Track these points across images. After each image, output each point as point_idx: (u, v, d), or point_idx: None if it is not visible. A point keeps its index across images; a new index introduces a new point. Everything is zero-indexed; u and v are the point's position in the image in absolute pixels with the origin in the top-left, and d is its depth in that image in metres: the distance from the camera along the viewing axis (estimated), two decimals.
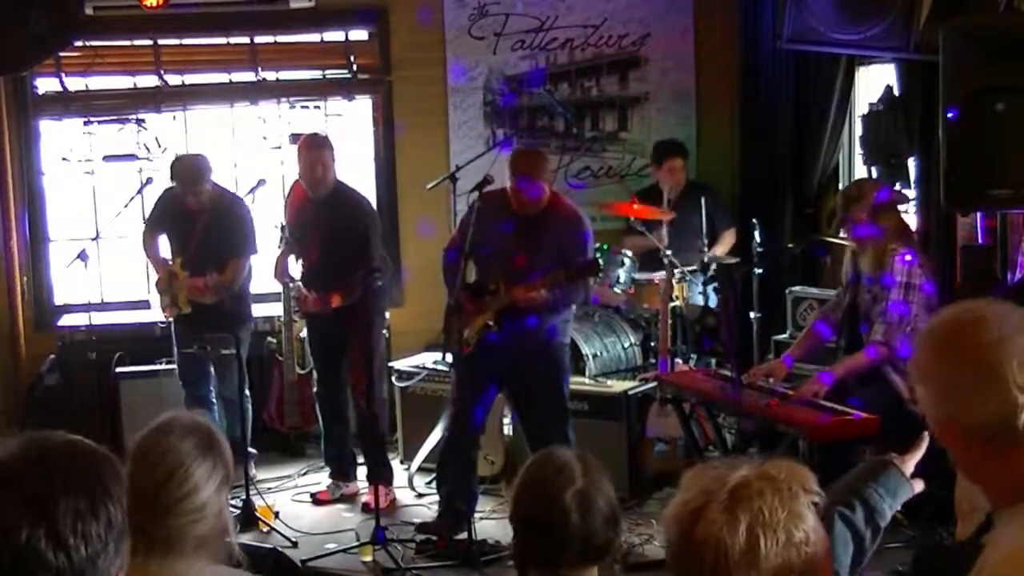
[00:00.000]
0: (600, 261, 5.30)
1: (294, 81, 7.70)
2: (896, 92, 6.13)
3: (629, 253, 6.74)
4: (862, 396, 4.90)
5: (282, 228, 6.22)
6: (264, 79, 7.57)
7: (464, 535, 5.21)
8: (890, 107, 6.14)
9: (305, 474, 6.63)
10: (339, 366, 6.17)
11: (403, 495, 6.25)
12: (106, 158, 7.46)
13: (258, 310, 6.73)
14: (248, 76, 7.55)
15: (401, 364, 6.71)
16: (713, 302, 6.76)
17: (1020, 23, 4.87)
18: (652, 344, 6.83)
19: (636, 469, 5.92)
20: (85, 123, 7.45)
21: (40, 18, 5.99)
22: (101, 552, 1.44)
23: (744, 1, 7.52)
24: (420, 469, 6.33)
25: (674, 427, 5.69)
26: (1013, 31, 4.73)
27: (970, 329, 1.79)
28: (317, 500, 6.22)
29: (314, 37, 7.68)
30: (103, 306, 7.35)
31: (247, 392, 6.37)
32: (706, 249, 6.78)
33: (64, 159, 7.49)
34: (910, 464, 2.33)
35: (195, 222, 6.16)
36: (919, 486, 2.32)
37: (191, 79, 7.58)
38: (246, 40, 7.49)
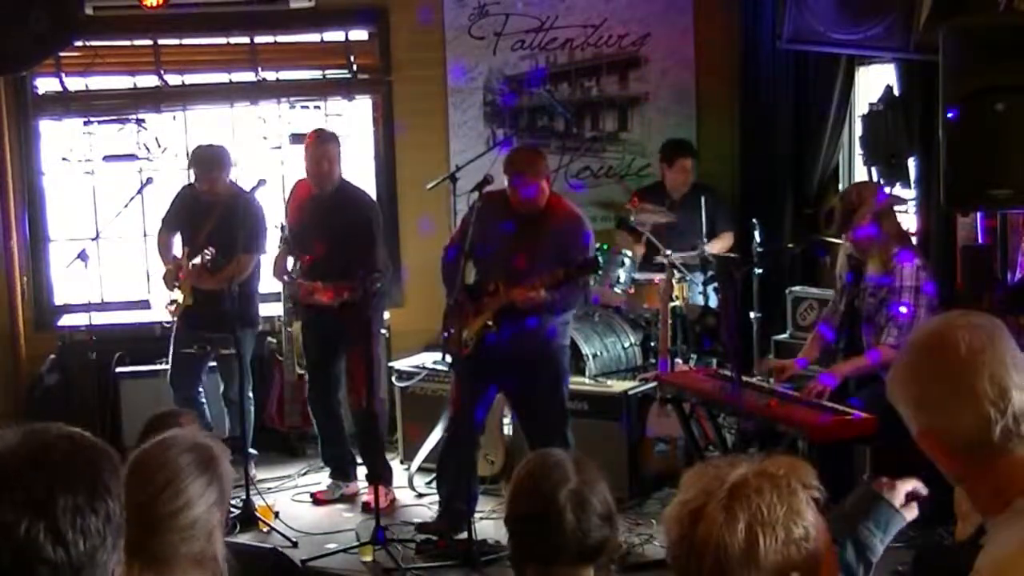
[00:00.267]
0: (600, 259, 5.29)
1: (294, 81, 7.70)
2: (896, 92, 6.13)
3: (629, 253, 6.74)
4: (862, 397, 4.90)
5: (282, 228, 6.22)
6: (264, 79, 7.57)
7: (464, 535, 5.21)
8: (890, 107, 6.14)
9: (305, 474, 6.63)
10: (332, 367, 6.15)
11: (403, 495, 6.24)
12: (106, 158, 7.47)
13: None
14: (248, 76, 7.55)
15: (401, 364, 6.71)
16: (713, 302, 6.75)
17: (1020, 23, 4.87)
18: (652, 344, 6.82)
19: (636, 469, 5.92)
20: (85, 123, 7.45)
21: (40, 18, 6.00)
22: (100, 546, 1.44)
23: (744, 1, 7.52)
24: (420, 469, 6.33)
25: (674, 427, 5.69)
26: (1013, 31, 4.73)
27: (945, 343, 1.80)
28: (317, 500, 6.21)
29: (314, 37, 7.69)
30: (103, 306, 7.35)
31: (250, 394, 6.37)
32: (705, 249, 6.78)
33: (64, 159, 7.50)
34: (900, 493, 2.32)
35: (209, 215, 6.15)
36: (911, 514, 2.30)
37: (191, 79, 7.59)
38: (246, 40, 7.50)
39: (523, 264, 5.25)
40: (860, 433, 4.67)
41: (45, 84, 7.38)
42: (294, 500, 6.26)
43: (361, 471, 6.34)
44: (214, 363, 6.43)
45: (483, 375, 5.41)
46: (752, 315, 6.68)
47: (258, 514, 5.75)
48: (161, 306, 6.56)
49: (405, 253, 7.55)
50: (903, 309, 4.97)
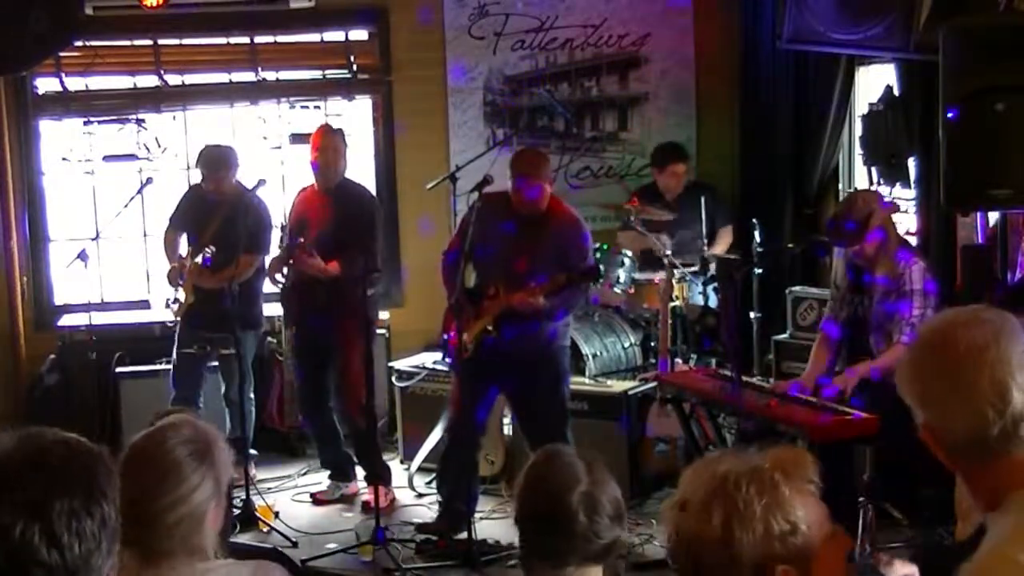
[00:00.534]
0: (601, 268, 5.30)
1: (294, 81, 7.70)
2: (896, 92, 6.13)
3: (629, 253, 6.74)
4: (863, 397, 4.89)
5: (282, 228, 6.22)
6: (264, 79, 7.57)
7: (464, 535, 5.21)
8: (890, 107, 6.14)
9: (305, 474, 6.63)
10: (323, 372, 6.12)
11: (403, 495, 6.24)
12: (106, 158, 7.47)
13: None
14: (248, 76, 7.55)
15: (401, 364, 6.70)
16: (713, 302, 6.75)
17: (1020, 23, 4.87)
18: (652, 344, 6.82)
19: (636, 469, 5.92)
20: (85, 123, 7.45)
21: (40, 18, 5.99)
22: (95, 550, 1.45)
23: (744, 1, 7.52)
24: (420, 469, 6.33)
25: (674, 427, 5.69)
26: (1013, 31, 4.74)
27: (946, 340, 1.79)
28: (317, 500, 6.21)
29: (314, 37, 7.69)
30: (103, 306, 7.35)
31: (251, 395, 6.36)
32: (706, 248, 6.78)
33: (64, 159, 7.50)
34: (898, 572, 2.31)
35: (214, 215, 6.15)
36: None
37: (191, 79, 7.59)
38: (246, 40, 7.50)
39: (523, 268, 5.26)
40: (860, 433, 4.67)
41: (45, 84, 7.38)
42: (294, 500, 6.26)
43: (361, 470, 6.34)
44: (216, 363, 6.43)
45: (484, 376, 5.41)
46: (752, 315, 6.68)
47: (258, 514, 5.75)
48: (161, 306, 6.56)
49: (405, 253, 7.55)
50: (915, 313, 4.94)
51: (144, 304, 7.43)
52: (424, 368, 6.56)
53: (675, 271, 6.51)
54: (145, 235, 7.51)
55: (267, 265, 6.18)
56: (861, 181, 6.96)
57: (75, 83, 7.42)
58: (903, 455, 5.11)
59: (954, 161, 4.76)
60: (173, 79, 7.52)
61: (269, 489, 6.35)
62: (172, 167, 7.48)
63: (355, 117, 7.70)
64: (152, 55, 7.45)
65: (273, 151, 7.56)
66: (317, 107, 7.61)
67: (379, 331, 6.84)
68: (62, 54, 7.06)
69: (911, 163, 6.07)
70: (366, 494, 6.05)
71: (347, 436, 6.31)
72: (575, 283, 5.20)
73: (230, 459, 2.37)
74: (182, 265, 6.26)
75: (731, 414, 5.48)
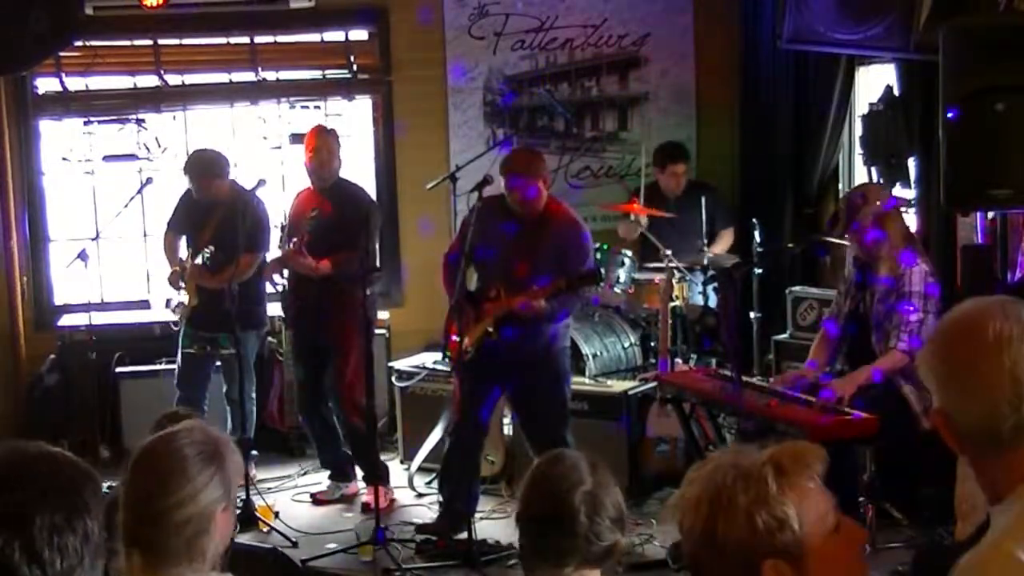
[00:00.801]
0: (602, 271, 5.29)
1: (294, 81, 7.70)
2: (896, 92, 6.13)
3: (629, 253, 6.74)
4: (863, 397, 4.89)
5: (282, 228, 6.22)
6: (264, 79, 7.57)
7: (464, 535, 5.21)
8: (890, 107, 6.14)
9: (305, 474, 6.63)
10: (322, 372, 6.12)
11: (403, 495, 6.24)
12: (106, 158, 7.46)
13: None
14: (248, 76, 7.55)
15: (401, 364, 6.70)
16: (713, 302, 6.75)
17: (1020, 23, 4.87)
18: (652, 344, 6.82)
19: (636, 469, 5.92)
20: (85, 123, 7.45)
21: (40, 18, 5.99)
22: (77, 566, 1.43)
23: (744, 1, 7.52)
24: (420, 469, 6.33)
25: (674, 427, 5.69)
26: (1013, 31, 4.74)
27: (975, 327, 1.78)
28: (317, 500, 6.21)
29: (314, 37, 7.69)
30: (103, 306, 7.35)
31: (252, 395, 6.36)
32: (706, 249, 6.78)
33: (64, 159, 7.49)
34: None
35: (211, 216, 6.15)
36: None
37: (191, 79, 7.58)
38: (246, 40, 7.49)
39: (524, 270, 5.24)
40: (860, 433, 4.67)
41: (45, 84, 7.38)
42: (294, 500, 6.25)
43: (360, 471, 6.34)
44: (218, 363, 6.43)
45: (485, 377, 5.41)
46: (752, 315, 6.68)
47: (258, 514, 5.75)
48: (160, 306, 6.55)
49: (405, 253, 7.55)
50: (913, 317, 4.94)
51: (144, 304, 7.43)
52: (424, 368, 6.55)
53: (675, 271, 6.50)
54: (145, 235, 7.51)
55: (267, 265, 6.17)
56: (861, 181, 6.95)
57: (75, 83, 7.42)
58: (903, 455, 5.13)
59: (954, 161, 4.76)
60: (173, 79, 7.52)
61: (269, 489, 6.35)
62: (172, 167, 7.47)
63: (355, 117, 7.71)
64: (152, 55, 7.45)
65: (273, 151, 7.55)
66: (317, 107, 7.61)
67: (379, 331, 6.84)
68: (62, 54, 7.06)
69: (911, 163, 6.07)
70: (366, 494, 6.05)
71: (345, 436, 6.31)
72: (574, 288, 5.19)
73: (240, 467, 2.37)
74: (182, 268, 6.25)
75: (731, 414, 5.48)
